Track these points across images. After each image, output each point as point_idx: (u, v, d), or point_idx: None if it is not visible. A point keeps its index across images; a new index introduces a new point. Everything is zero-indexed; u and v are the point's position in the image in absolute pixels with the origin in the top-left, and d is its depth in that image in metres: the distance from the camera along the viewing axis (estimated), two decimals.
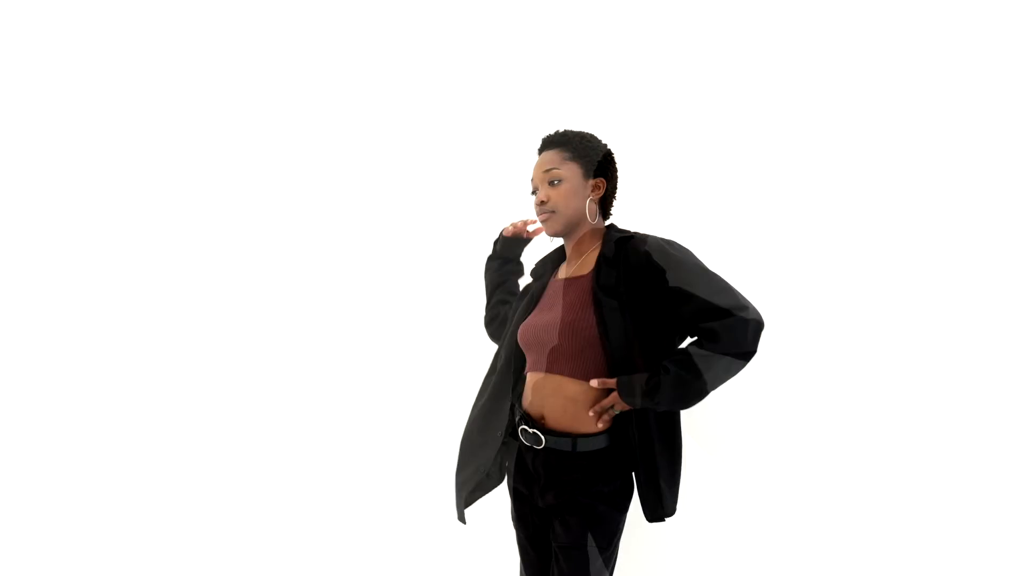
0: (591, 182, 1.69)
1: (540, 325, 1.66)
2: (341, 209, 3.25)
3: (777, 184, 2.72)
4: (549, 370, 1.63)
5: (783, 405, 3.56)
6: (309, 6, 3.24)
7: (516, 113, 2.98)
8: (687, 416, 2.83)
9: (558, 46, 3.00)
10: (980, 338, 2.72)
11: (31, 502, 3.22)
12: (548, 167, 1.68)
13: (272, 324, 3.29)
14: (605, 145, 1.73)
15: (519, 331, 1.72)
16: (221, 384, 3.30)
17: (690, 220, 2.80)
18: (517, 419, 1.69)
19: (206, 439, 3.33)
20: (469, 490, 1.79)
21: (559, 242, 1.85)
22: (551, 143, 1.72)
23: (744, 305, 1.47)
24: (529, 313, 1.73)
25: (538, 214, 1.71)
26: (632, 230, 1.68)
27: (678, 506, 1.70)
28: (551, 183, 1.67)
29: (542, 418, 1.64)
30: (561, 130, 1.75)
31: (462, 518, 1.81)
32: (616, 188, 1.76)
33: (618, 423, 1.59)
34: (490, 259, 2.12)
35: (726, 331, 1.44)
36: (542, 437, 1.62)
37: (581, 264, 1.69)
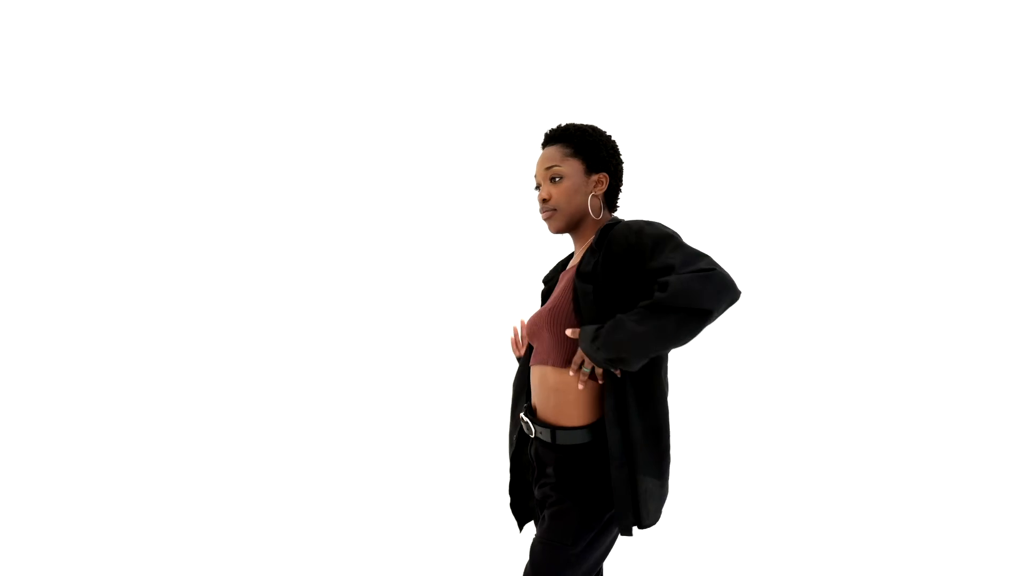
0: (593, 177, 1.67)
1: (534, 317, 1.69)
2: (347, 208, 3.24)
3: (786, 177, 2.68)
4: (535, 360, 1.67)
5: (780, 404, 3.51)
6: (311, 6, 3.22)
7: (521, 106, 2.96)
8: (685, 416, 2.80)
9: (566, 39, 2.97)
10: (979, 336, 2.67)
11: (31, 500, 3.24)
12: (549, 164, 1.68)
13: (272, 324, 3.29)
14: (609, 137, 1.71)
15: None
16: (224, 382, 3.30)
17: (699, 210, 2.77)
18: (523, 410, 1.74)
19: (207, 439, 3.34)
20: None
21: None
22: (553, 139, 1.71)
23: (712, 266, 1.41)
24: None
25: (540, 211, 1.70)
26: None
27: (664, 514, 1.66)
28: (552, 180, 1.67)
29: (535, 408, 1.67)
30: (564, 124, 1.73)
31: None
32: (621, 181, 1.74)
33: (601, 422, 1.56)
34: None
35: (680, 283, 1.38)
36: (532, 427, 1.64)
37: (578, 257, 1.69)
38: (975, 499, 3.31)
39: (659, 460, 1.53)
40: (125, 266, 3.28)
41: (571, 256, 1.81)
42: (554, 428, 1.59)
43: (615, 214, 1.76)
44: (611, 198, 1.73)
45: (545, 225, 1.64)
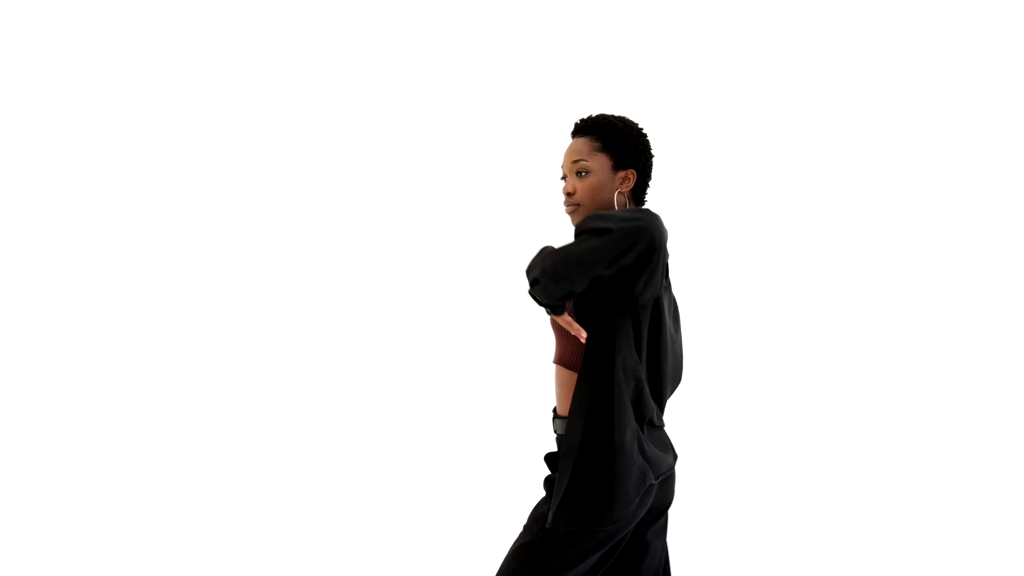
0: (620, 174, 1.63)
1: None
2: (356, 202, 3.22)
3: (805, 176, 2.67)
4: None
5: (780, 404, 3.50)
6: (318, 5, 3.20)
7: (548, 98, 2.93)
8: (686, 415, 2.76)
9: (591, 31, 2.93)
10: (978, 335, 2.68)
11: (30, 499, 3.21)
12: (576, 157, 1.64)
13: (273, 323, 3.27)
14: (641, 131, 1.67)
15: None
16: (224, 381, 3.28)
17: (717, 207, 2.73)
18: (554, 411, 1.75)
19: (209, 438, 3.31)
20: None
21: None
22: (582, 130, 1.67)
23: (607, 227, 1.39)
24: None
25: (564, 204, 1.67)
26: None
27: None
28: (579, 174, 1.63)
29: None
30: (595, 115, 1.68)
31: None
32: (650, 176, 1.69)
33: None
34: None
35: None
36: (553, 423, 1.65)
37: None
38: (975, 499, 3.32)
39: (597, 464, 1.44)
40: (123, 265, 3.25)
41: None
42: (555, 419, 1.61)
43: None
44: (638, 193, 1.69)
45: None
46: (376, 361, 3.35)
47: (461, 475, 3.56)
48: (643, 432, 1.51)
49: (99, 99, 3.22)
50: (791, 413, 3.61)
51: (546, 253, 1.45)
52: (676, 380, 1.69)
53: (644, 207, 1.56)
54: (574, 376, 1.55)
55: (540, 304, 1.49)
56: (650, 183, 1.70)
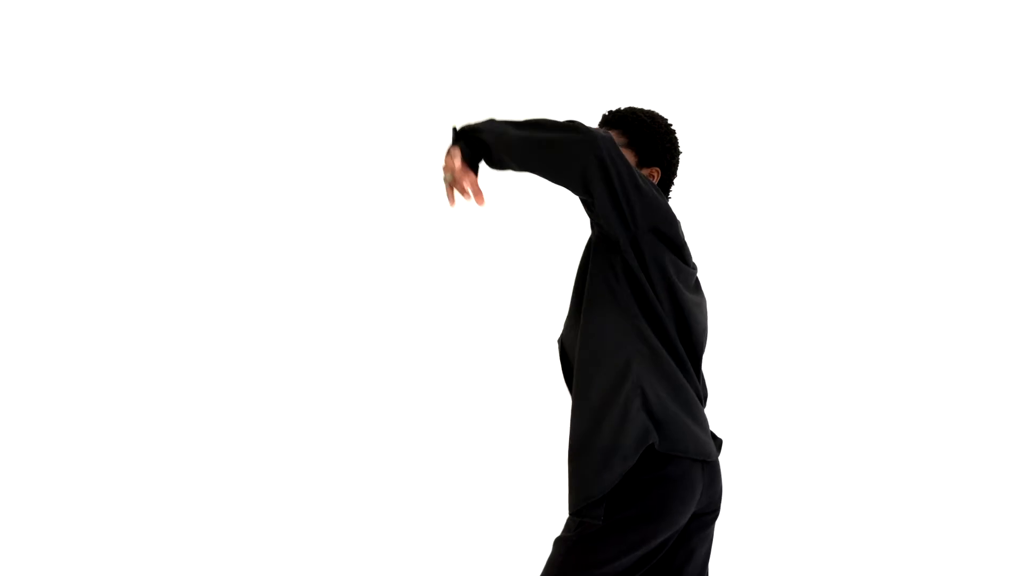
0: (644, 171, 1.56)
1: None
2: (366, 197, 3.21)
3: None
4: None
5: (780, 405, 3.49)
6: (317, 5, 3.20)
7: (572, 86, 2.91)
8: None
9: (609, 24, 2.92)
10: (979, 335, 2.67)
11: (30, 500, 3.20)
12: None
13: (273, 324, 3.27)
14: (669, 128, 1.61)
15: None
16: (224, 381, 3.28)
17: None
18: None
19: (207, 439, 3.31)
20: None
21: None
22: (609, 123, 1.61)
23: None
24: None
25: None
26: None
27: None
28: None
29: None
30: (623, 109, 1.63)
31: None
32: (675, 175, 1.65)
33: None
34: None
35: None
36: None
37: None
38: (975, 499, 3.32)
39: (578, 449, 1.39)
40: (122, 264, 3.25)
41: None
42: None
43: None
44: (663, 190, 1.63)
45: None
46: (376, 361, 3.34)
47: (461, 475, 3.56)
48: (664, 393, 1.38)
49: (99, 99, 3.23)
50: (793, 413, 3.61)
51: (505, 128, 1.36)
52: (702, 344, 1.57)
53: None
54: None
55: (458, 150, 1.38)
56: (675, 181, 1.66)
